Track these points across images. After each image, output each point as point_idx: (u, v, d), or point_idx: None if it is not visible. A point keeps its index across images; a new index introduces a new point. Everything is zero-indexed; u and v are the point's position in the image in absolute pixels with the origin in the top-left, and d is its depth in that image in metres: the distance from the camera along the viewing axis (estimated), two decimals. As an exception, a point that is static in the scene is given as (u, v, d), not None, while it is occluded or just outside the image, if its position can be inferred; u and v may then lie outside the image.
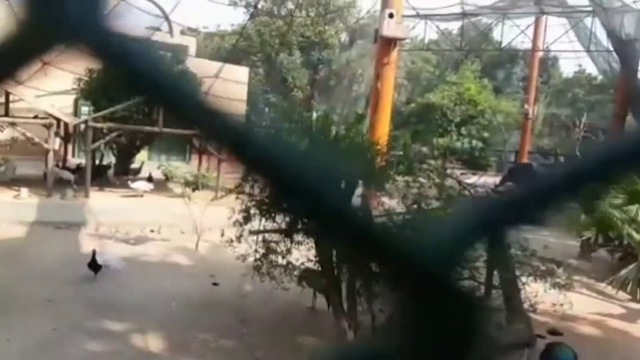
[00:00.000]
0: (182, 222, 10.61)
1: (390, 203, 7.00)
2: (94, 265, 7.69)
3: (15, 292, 6.82)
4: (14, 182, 14.04)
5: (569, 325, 6.84)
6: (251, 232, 6.77)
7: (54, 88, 18.42)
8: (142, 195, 14.12)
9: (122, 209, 12.43)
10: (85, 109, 18.91)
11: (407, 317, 0.39)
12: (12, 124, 13.97)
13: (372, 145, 7.01)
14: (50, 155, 13.62)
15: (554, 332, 6.63)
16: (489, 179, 13.99)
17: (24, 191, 12.95)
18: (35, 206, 11.94)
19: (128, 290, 7.25)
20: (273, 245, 6.70)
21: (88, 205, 12.70)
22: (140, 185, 14.40)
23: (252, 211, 6.86)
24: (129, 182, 14.79)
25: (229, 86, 22.50)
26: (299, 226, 6.78)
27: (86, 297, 6.96)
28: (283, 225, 6.81)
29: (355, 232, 0.39)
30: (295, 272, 6.53)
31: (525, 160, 20.22)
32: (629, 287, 8.15)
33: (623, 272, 8.23)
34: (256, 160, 0.37)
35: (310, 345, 6.02)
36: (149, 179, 15.65)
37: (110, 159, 17.14)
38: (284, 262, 6.41)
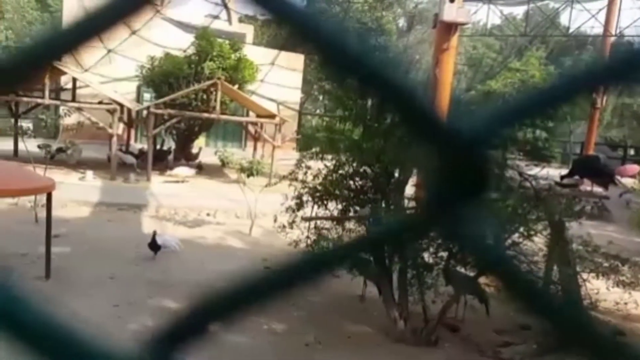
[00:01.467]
0: (237, 207, 10.82)
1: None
2: (153, 246, 7.97)
3: (80, 269, 7.16)
4: (79, 164, 14.71)
5: (634, 326, 6.50)
6: (303, 219, 6.80)
7: (117, 75, 19.13)
8: (182, 181, 14.37)
9: (180, 193, 12.81)
10: (147, 96, 19.55)
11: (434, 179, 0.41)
12: (79, 109, 14.60)
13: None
14: (114, 139, 14.16)
15: (616, 332, 6.32)
16: (553, 171, 13.43)
17: (89, 174, 13.55)
18: (99, 188, 12.48)
19: (185, 270, 7.47)
20: (325, 232, 6.71)
21: (149, 189, 13.15)
22: (182, 171, 14.70)
23: (305, 198, 6.89)
24: (168, 170, 14.94)
25: (285, 73, 22.64)
26: (351, 214, 6.77)
27: (146, 276, 7.22)
28: (335, 213, 6.81)
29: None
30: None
31: (591, 152, 19.32)
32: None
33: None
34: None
35: (359, 333, 6.01)
36: (199, 166, 16.08)
37: (170, 144, 17.65)
38: (336, 250, 6.41)
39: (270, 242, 8.87)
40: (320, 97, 29.55)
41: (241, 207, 10.40)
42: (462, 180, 0.40)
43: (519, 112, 0.43)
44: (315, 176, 6.75)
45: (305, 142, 8.59)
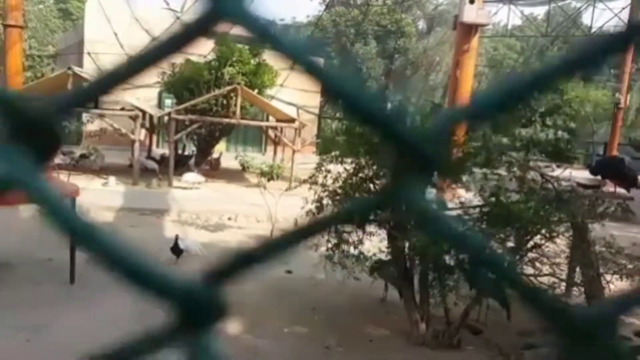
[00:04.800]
0: (257, 211, 10.88)
1: (467, 196, 6.82)
2: (176, 250, 8.06)
3: (104, 274, 7.25)
4: (102, 170, 14.96)
5: (661, 329, 6.35)
6: (323, 222, 6.80)
7: (139, 81, 19.39)
8: (191, 188, 14.17)
9: (202, 197, 12.94)
10: (168, 102, 19.82)
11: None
12: (101, 116, 14.86)
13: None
14: (136, 145, 14.37)
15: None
16: (576, 172, 13.21)
17: (112, 179, 13.77)
18: (122, 193, 12.67)
19: (206, 275, 7.53)
20: (345, 235, 6.71)
21: (171, 193, 13.31)
22: (190, 177, 14.53)
23: (325, 201, 6.91)
24: (179, 177, 14.65)
25: (304, 78, 22.69)
26: (372, 217, 6.77)
27: (167, 280, 7.29)
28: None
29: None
30: (367, 263, 6.52)
31: (614, 153, 18.98)
32: None
33: None
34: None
35: (380, 337, 5.99)
36: (213, 167, 16.11)
37: (191, 149, 17.85)
38: (356, 253, 6.41)
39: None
40: (340, 101, 29.52)
41: (262, 211, 10.46)
42: (411, 167, 0.48)
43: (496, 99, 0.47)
44: (336, 179, 6.77)
45: (324, 146, 8.61)
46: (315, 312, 6.50)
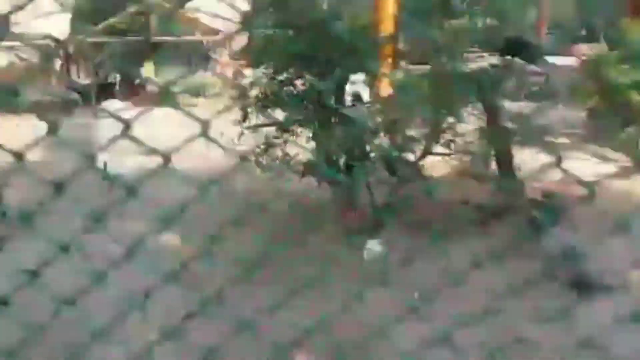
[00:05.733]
0: (187, 131, 10.75)
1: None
2: (107, 177, 8.01)
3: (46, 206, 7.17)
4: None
5: (565, 188, 6.96)
6: (248, 128, 6.91)
7: (47, 8, 18.04)
8: (115, 116, 13.73)
9: (130, 123, 12.61)
10: (80, 27, 18.61)
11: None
12: (10, 48, 13.92)
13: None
14: (53, 78, 13.66)
15: (548, 194, 6.83)
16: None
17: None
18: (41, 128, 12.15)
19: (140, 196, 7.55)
20: (274, 140, 6.85)
21: (95, 123, 12.91)
22: (113, 104, 14.05)
23: (250, 109, 6.96)
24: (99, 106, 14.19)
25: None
26: (297, 118, 6.90)
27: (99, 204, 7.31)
28: (280, 119, 6.93)
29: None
30: (293, 163, 6.72)
31: (544, 34, 19.29)
32: (628, 149, 8.24)
33: (623, 135, 8.28)
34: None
35: (318, 229, 6.29)
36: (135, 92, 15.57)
37: (114, 76, 17.10)
38: (284, 154, 6.58)
39: (219, 158, 8.97)
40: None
41: (192, 130, 10.37)
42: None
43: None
44: (253, 84, 6.80)
45: (254, 56, 8.52)
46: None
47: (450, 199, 6.84)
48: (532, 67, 10.95)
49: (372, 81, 7.14)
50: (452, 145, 6.48)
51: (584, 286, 5.05)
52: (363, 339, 3.77)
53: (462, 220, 6.09)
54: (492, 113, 6.47)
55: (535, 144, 6.52)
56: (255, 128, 6.81)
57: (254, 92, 7.02)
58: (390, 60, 7.18)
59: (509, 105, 6.92)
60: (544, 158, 6.65)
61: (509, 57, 7.23)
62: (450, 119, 6.31)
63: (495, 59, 7.24)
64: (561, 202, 6.37)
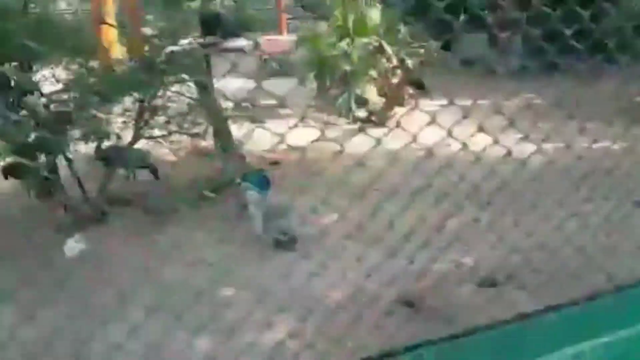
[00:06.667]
0: None
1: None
2: None
3: None
4: None
5: (287, 156, 7.48)
6: None
7: None
8: None
9: None
10: None
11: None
12: None
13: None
14: None
15: (274, 162, 7.29)
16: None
17: None
18: None
19: None
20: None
21: None
22: None
23: None
24: None
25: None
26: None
27: None
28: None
29: None
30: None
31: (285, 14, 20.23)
32: (344, 112, 9.19)
33: (339, 100, 9.20)
34: None
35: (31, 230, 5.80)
36: None
37: None
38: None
39: None
40: None
41: None
42: None
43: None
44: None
45: None
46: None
47: (179, 180, 6.91)
48: (233, 44, 11.51)
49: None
50: (170, 127, 6.50)
51: (287, 241, 5.47)
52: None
53: (185, 201, 6.15)
54: (202, 90, 6.65)
55: (248, 118, 6.85)
56: None
57: None
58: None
59: (229, 82, 7.18)
60: (268, 131, 7.09)
61: (208, 35, 7.59)
62: (159, 101, 6.33)
63: (201, 38, 7.46)
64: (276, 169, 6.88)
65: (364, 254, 4.32)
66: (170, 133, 6.40)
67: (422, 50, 8.95)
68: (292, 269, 4.48)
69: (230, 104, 6.95)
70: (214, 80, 6.96)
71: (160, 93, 6.38)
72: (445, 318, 4.12)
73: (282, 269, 4.69)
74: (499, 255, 4.52)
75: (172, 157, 7.12)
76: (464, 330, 1.29)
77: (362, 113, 9.36)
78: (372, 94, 9.43)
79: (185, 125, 6.59)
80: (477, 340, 1.32)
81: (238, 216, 5.92)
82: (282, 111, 7.45)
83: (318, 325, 3.98)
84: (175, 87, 6.43)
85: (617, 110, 7.17)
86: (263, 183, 5.82)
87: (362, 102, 9.26)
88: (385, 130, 8.88)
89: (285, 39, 12.49)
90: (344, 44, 9.42)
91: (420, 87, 10.10)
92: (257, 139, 7.00)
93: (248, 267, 5.01)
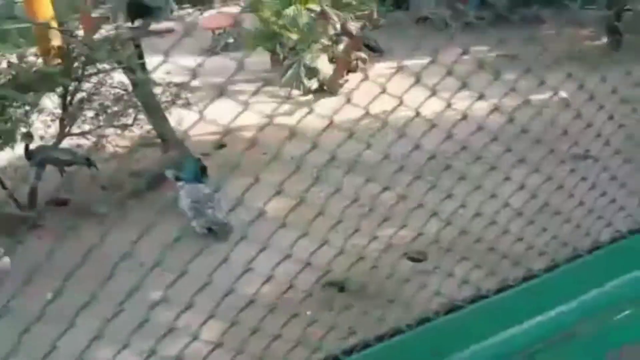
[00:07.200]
0: None
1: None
2: None
3: None
4: None
5: (235, 135, 7.17)
6: None
7: None
8: None
9: None
10: None
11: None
12: None
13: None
14: None
15: (220, 146, 6.98)
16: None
17: None
18: None
19: None
20: None
21: None
22: None
23: None
24: None
25: None
26: None
27: None
28: None
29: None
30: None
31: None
32: (295, 84, 8.82)
33: (290, 71, 8.82)
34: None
35: None
36: None
37: None
38: None
39: None
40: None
41: None
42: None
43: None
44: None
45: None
46: None
47: (122, 173, 6.61)
48: (161, 25, 11.06)
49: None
50: (101, 118, 6.16)
51: (219, 231, 5.21)
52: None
53: (126, 193, 5.86)
54: (133, 77, 6.29)
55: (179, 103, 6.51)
56: None
57: None
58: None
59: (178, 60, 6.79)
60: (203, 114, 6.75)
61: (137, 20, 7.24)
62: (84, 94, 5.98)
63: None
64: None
65: (297, 239, 4.08)
66: (100, 126, 6.06)
67: (366, 12, 8.55)
68: (220, 261, 4.22)
69: (161, 89, 6.61)
70: (147, 61, 6.59)
71: (85, 86, 6.03)
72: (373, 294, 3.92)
73: (213, 263, 4.43)
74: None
75: (109, 151, 6.80)
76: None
77: (314, 84, 8.99)
78: (323, 62, 9.05)
79: (113, 116, 6.23)
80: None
81: (174, 208, 5.64)
82: (233, 87, 7.11)
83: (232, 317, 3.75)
84: (100, 77, 6.06)
85: (569, 57, 6.90)
86: (196, 172, 5.52)
87: (312, 72, 8.88)
88: (336, 99, 8.57)
89: (230, 12, 12.09)
90: (289, 11, 9.01)
91: (374, 50, 9.75)
92: (205, 122, 6.70)
93: (177, 262, 4.75)
